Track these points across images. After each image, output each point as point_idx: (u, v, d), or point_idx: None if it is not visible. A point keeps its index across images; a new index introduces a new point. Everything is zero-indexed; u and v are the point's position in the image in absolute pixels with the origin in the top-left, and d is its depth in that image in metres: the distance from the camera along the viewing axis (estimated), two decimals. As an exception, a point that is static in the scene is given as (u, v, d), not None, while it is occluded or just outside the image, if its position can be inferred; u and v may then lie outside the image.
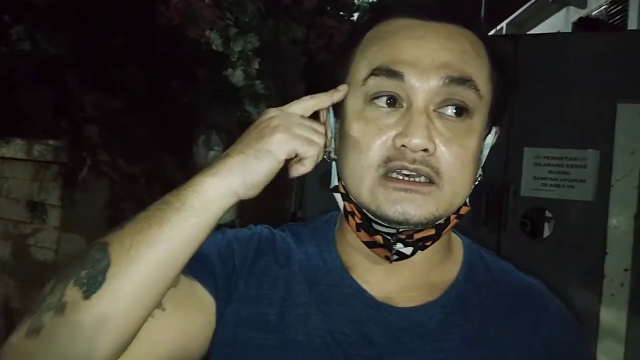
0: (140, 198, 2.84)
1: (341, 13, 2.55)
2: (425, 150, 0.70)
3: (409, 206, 0.71)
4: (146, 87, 2.19)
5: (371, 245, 0.77)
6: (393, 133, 0.71)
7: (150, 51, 2.10)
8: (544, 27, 9.39)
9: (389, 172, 0.72)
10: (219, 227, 0.83)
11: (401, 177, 0.71)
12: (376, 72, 0.73)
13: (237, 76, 1.95)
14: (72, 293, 0.65)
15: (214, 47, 1.90)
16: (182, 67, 2.13)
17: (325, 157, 0.80)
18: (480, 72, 0.74)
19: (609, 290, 2.83)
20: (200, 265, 0.79)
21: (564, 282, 2.87)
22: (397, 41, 0.74)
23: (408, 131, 0.70)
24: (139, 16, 2.01)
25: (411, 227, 0.72)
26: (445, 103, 0.72)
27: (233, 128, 2.32)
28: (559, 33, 4.50)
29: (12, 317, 3.33)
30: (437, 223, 0.75)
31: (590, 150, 2.90)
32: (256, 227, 0.90)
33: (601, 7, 7.53)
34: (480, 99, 0.73)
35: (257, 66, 2.02)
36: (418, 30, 0.74)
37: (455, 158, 0.72)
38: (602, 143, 2.87)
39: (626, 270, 2.79)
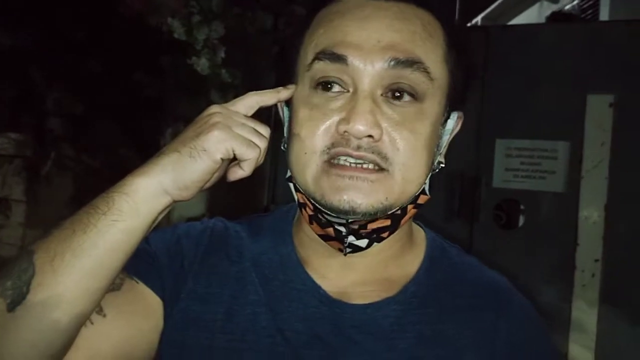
0: (101, 192, 2.78)
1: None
2: (370, 136, 0.67)
3: (355, 194, 0.67)
4: (108, 78, 2.14)
5: (324, 238, 0.74)
6: (337, 118, 0.68)
7: (111, 41, 2.04)
8: (518, 21, 9.46)
9: (332, 159, 0.68)
10: (190, 221, 0.80)
11: (348, 164, 0.68)
12: (320, 56, 0.70)
13: (202, 64, 1.90)
14: None
15: (176, 36, 1.85)
16: (145, 57, 2.08)
17: (282, 147, 0.77)
18: (431, 53, 0.71)
19: (580, 281, 2.85)
20: (145, 265, 0.76)
21: (536, 273, 2.88)
22: (343, 22, 0.70)
23: (350, 116, 0.66)
24: (100, 5, 1.95)
25: (359, 217, 0.69)
26: (393, 86, 0.68)
27: (199, 119, 2.27)
28: (529, 24, 4.52)
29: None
30: (393, 213, 0.71)
31: (560, 141, 2.91)
32: (209, 221, 0.87)
33: (573, 1, 7.61)
34: (431, 82, 0.70)
35: (222, 55, 1.98)
36: (365, 10, 0.70)
37: (405, 143, 0.68)
38: (572, 134, 2.88)
39: (596, 260, 2.81)
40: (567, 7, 7.67)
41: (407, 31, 0.69)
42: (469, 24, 11.24)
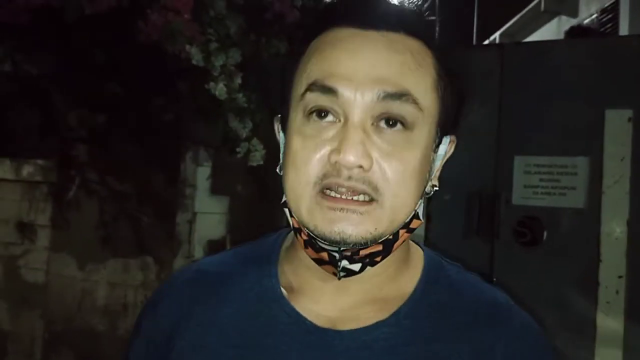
0: (127, 217, 2.82)
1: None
2: (360, 167, 0.68)
3: (345, 226, 0.68)
4: (127, 103, 2.19)
5: (319, 262, 0.74)
6: (329, 149, 0.69)
7: (131, 68, 2.10)
8: (537, 37, 9.44)
9: (324, 189, 0.69)
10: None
11: (338, 195, 0.69)
12: (311, 87, 0.71)
13: (219, 90, 1.94)
14: None
15: (194, 62, 1.90)
16: (164, 82, 2.13)
17: (278, 170, 0.79)
18: (420, 83, 0.72)
19: (604, 298, 2.81)
20: None
21: (558, 290, 2.85)
22: (333, 53, 0.71)
23: (341, 147, 0.67)
24: (118, 33, 2.01)
25: (350, 246, 0.70)
26: (382, 116, 0.69)
27: (218, 144, 2.31)
28: (544, 40, 4.51)
29: (3, 339, 3.30)
30: (385, 238, 0.72)
31: (579, 157, 2.89)
32: (191, 268, 0.89)
33: (592, 15, 7.58)
34: (420, 112, 0.71)
35: (239, 80, 2.02)
36: (355, 41, 0.71)
37: (394, 172, 0.69)
38: (591, 149, 2.86)
39: (620, 277, 2.77)
40: (586, 21, 7.64)
41: (396, 63, 0.70)
42: (487, 41, 11.23)
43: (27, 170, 3.17)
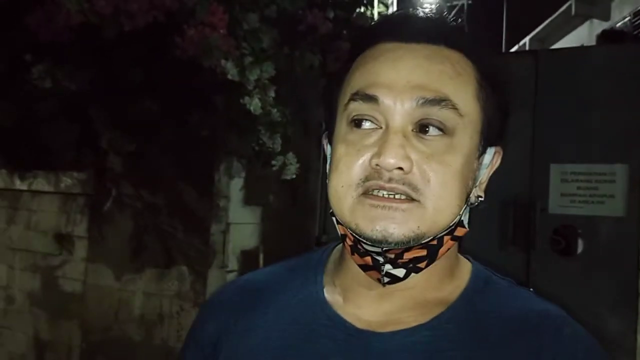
0: (161, 228, 2.86)
1: (357, 36, 2.54)
2: (400, 169, 0.69)
3: (388, 223, 0.70)
4: (163, 118, 2.22)
5: (363, 267, 0.76)
6: (370, 153, 0.71)
7: (167, 82, 2.13)
8: (567, 41, 9.31)
9: (366, 191, 0.71)
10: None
11: (381, 195, 0.71)
12: (354, 97, 0.74)
13: (255, 105, 1.96)
14: None
15: (230, 77, 1.91)
16: (200, 97, 2.15)
17: (326, 181, 0.81)
18: (460, 90, 0.73)
19: (645, 308, 2.75)
20: None
21: (597, 300, 2.80)
22: (376, 65, 0.75)
23: (382, 150, 0.70)
24: (155, 48, 2.04)
25: (392, 245, 0.71)
26: (422, 122, 0.72)
27: (251, 156, 2.33)
28: (578, 46, 4.44)
29: (42, 348, 3.36)
30: (428, 243, 0.73)
31: (617, 164, 2.84)
32: (241, 279, 0.93)
33: (625, 18, 7.44)
34: (460, 118, 0.72)
35: (272, 94, 2.03)
36: (397, 52, 0.75)
37: (435, 174, 0.71)
38: (630, 156, 2.81)
39: (661, 286, 2.71)
40: (619, 24, 7.52)
41: (435, 71, 0.73)
42: (517, 46, 11.12)
43: (64, 182, 3.23)
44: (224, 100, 2.09)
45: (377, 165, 0.70)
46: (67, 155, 2.80)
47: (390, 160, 0.69)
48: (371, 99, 0.72)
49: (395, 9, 6.70)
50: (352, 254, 0.76)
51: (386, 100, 0.71)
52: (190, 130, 2.27)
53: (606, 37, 4.86)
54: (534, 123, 2.91)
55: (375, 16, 3.68)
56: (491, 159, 0.80)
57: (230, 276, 2.93)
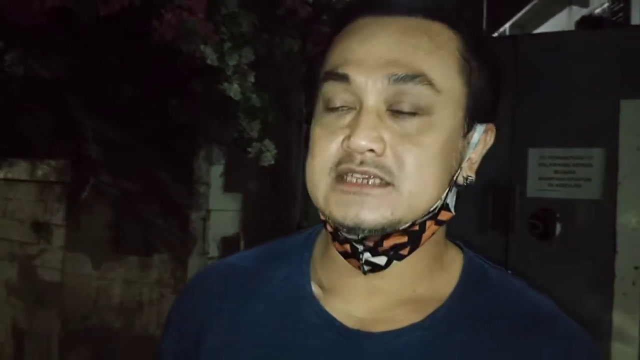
0: (141, 216, 2.83)
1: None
2: (371, 151, 0.66)
3: (360, 210, 0.66)
4: (142, 104, 2.19)
5: (344, 255, 0.73)
6: (343, 135, 0.68)
7: (145, 68, 2.10)
8: (547, 27, 9.37)
9: (339, 176, 0.68)
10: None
11: (354, 180, 0.67)
12: (326, 77, 0.71)
13: (234, 90, 1.94)
14: None
15: (209, 62, 1.89)
16: (179, 82, 2.13)
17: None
18: (439, 65, 0.69)
19: (620, 289, 2.80)
20: None
21: (574, 282, 2.84)
22: (349, 40, 0.71)
23: (353, 132, 0.66)
24: (132, 33, 2.01)
25: (366, 232, 0.68)
26: (396, 100, 0.67)
27: (231, 142, 2.31)
28: (558, 31, 4.46)
29: (20, 337, 3.33)
30: (408, 229, 0.70)
31: (594, 148, 2.88)
32: (223, 262, 0.89)
33: (603, 4, 7.51)
34: (438, 94, 0.68)
35: (252, 79, 2.01)
36: (370, 28, 0.70)
37: (409, 156, 0.67)
38: (606, 140, 2.85)
39: (636, 268, 2.76)
40: (597, 10, 7.58)
41: (409, 45, 0.68)
42: (497, 32, 11.16)
43: (41, 170, 3.19)
44: (203, 86, 2.06)
45: (348, 147, 0.66)
46: (43, 143, 2.76)
47: (361, 142, 0.65)
48: (342, 77, 0.68)
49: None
50: (333, 240, 0.73)
51: (357, 78, 0.67)
52: (169, 117, 2.24)
53: (585, 23, 4.88)
54: (513, 108, 2.92)
55: None
56: (481, 136, 0.75)
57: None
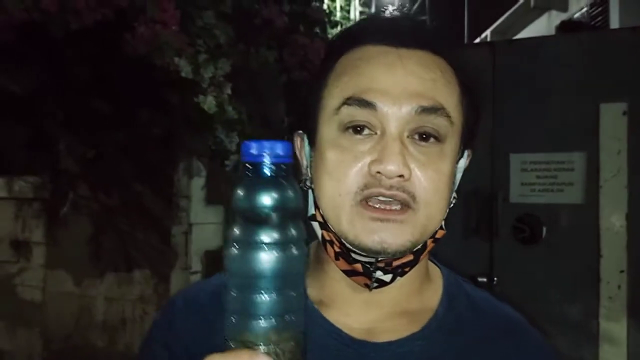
0: (121, 231, 2.80)
1: (315, 30, 2.53)
2: (401, 176, 0.70)
3: (386, 235, 0.71)
4: (117, 118, 2.16)
5: (350, 273, 0.76)
6: (368, 160, 0.71)
7: (118, 82, 2.07)
8: (527, 33, 9.43)
9: (365, 199, 0.72)
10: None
11: (377, 205, 0.71)
12: (348, 102, 0.73)
13: (209, 103, 1.92)
14: None
15: (183, 74, 1.87)
16: (153, 95, 2.10)
17: (301, 185, 0.80)
18: (450, 98, 0.75)
19: (607, 293, 2.79)
20: None
21: (560, 287, 2.83)
22: (368, 69, 0.75)
23: (383, 158, 0.70)
24: (105, 47, 1.98)
25: (389, 256, 0.72)
26: (418, 130, 0.73)
27: (210, 155, 2.29)
28: (536, 37, 4.48)
29: (1, 359, 3.27)
30: (416, 249, 0.74)
31: (576, 152, 2.88)
32: (213, 280, 0.87)
33: (582, 9, 7.57)
34: (451, 125, 0.74)
35: (228, 91, 2.00)
36: (388, 57, 0.75)
37: (430, 182, 0.72)
38: (587, 144, 2.85)
39: (622, 271, 2.75)
40: (577, 15, 7.64)
41: (429, 79, 0.74)
42: (478, 39, 11.23)
43: (18, 187, 3.13)
44: (178, 99, 2.04)
45: (378, 172, 0.70)
46: (19, 159, 2.72)
47: (392, 167, 0.69)
48: (368, 104, 0.72)
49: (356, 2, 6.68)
50: (337, 259, 0.76)
51: (384, 107, 0.71)
52: (146, 130, 2.21)
53: (564, 28, 4.93)
54: (493, 114, 2.92)
55: (337, 9, 3.66)
56: (465, 161, 0.82)
57: (194, 277, 2.88)
